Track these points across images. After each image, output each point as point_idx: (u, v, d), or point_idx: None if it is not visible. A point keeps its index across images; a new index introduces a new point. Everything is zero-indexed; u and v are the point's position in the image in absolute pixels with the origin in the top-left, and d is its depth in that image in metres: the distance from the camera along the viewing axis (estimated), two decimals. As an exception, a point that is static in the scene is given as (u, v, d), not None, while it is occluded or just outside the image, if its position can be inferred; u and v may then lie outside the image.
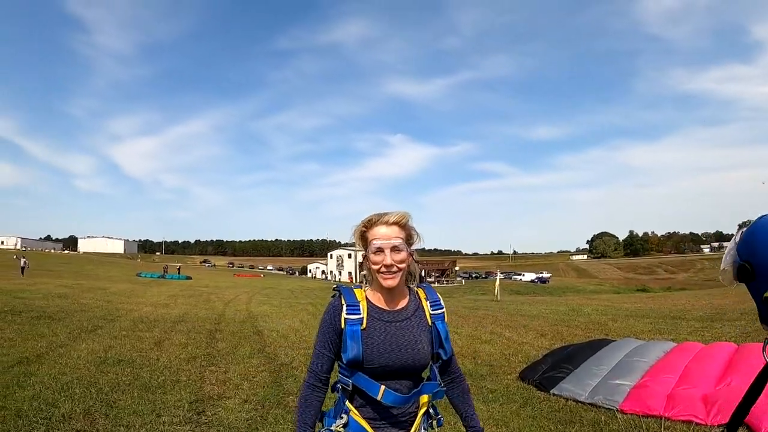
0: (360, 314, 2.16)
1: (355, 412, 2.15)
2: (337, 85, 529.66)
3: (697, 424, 5.41)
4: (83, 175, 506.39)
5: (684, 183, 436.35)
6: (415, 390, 2.16)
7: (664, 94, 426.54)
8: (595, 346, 8.61)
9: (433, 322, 2.26)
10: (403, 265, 2.15)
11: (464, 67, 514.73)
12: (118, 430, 5.35)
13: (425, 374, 2.28)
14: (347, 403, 2.18)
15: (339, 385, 2.23)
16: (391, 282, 2.13)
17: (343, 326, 2.14)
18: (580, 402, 6.52)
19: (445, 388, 2.32)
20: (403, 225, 2.21)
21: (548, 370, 7.78)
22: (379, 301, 2.23)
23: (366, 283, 2.35)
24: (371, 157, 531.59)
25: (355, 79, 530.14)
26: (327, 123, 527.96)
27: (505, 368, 8.94)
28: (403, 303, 2.26)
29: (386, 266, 2.11)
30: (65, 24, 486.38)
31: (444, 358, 2.28)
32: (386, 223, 2.17)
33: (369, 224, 2.21)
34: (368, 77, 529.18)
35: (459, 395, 2.39)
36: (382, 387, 2.10)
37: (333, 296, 2.27)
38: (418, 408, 2.21)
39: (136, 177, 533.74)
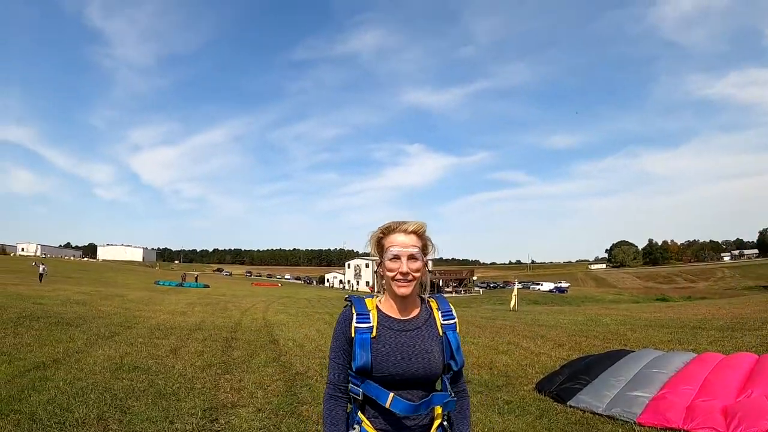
0: (370, 323, 2.16)
1: (367, 423, 2.13)
2: (354, 95, 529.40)
3: (717, 437, 5.31)
4: (103, 183, 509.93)
5: (703, 190, 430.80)
6: (425, 399, 2.13)
7: (682, 100, 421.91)
8: (613, 357, 8.49)
9: (444, 332, 2.24)
10: (418, 274, 2.15)
11: (481, 76, 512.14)
12: (131, 436, 5.37)
13: (438, 386, 2.25)
14: (359, 413, 2.16)
15: (350, 396, 2.20)
16: (404, 290, 2.13)
17: (353, 335, 2.14)
18: (598, 414, 6.43)
19: (455, 399, 2.27)
20: (421, 234, 2.22)
21: (565, 382, 7.69)
22: (390, 309, 2.23)
23: (379, 293, 2.34)
24: (389, 167, 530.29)
25: (372, 89, 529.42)
26: (345, 133, 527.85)
27: (521, 379, 8.85)
28: (414, 312, 2.25)
29: (402, 274, 2.12)
30: (86, 36, 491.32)
31: (455, 369, 2.25)
32: (404, 231, 2.18)
33: (387, 231, 2.22)
34: (385, 87, 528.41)
35: (458, 411, 2.34)
36: (391, 394, 2.08)
37: (345, 306, 2.28)
38: (432, 420, 2.18)
39: (155, 186, 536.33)
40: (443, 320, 2.27)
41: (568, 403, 6.94)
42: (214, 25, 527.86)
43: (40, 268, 43.59)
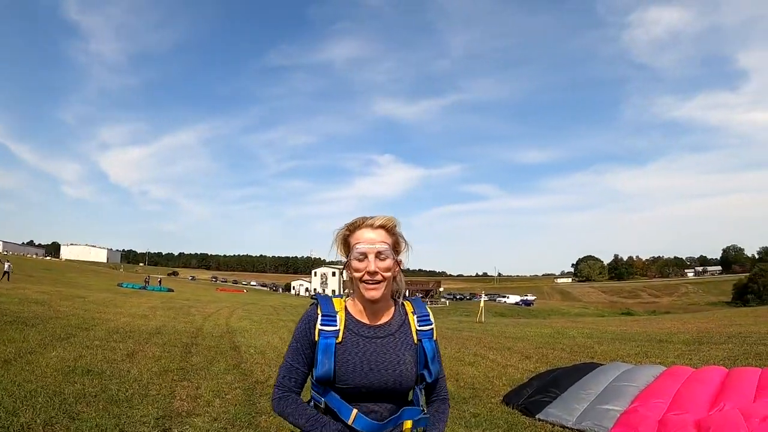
0: (336, 326, 1.92)
1: None
2: (327, 104, 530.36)
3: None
4: (70, 181, 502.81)
5: (669, 208, 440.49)
6: (393, 416, 1.89)
7: (651, 121, 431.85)
8: (582, 370, 8.41)
9: (419, 340, 2.01)
10: (388, 274, 1.91)
11: (454, 90, 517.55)
12: (78, 444, 5.06)
13: (410, 396, 2.01)
14: None
15: (312, 403, 1.96)
16: (373, 293, 1.89)
17: (316, 338, 1.91)
18: (568, 428, 6.29)
19: (428, 415, 2.04)
20: (390, 229, 1.98)
21: (533, 394, 7.55)
22: (359, 313, 2.00)
23: (346, 296, 2.10)
24: (359, 177, 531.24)
25: (345, 98, 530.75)
26: (316, 141, 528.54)
27: (488, 391, 8.68)
28: (386, 317, 2.02)
29: (370, 273, 1.88)
30: (60, 29, 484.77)
31: (428, 380, 2.01)
32: (371, 226, 1.95)
33: (353, 227, 1.98)
34: (358, 97, 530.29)
35: (432, 412, 2.09)
36: (355, 411, 1.84)
37: (311, 305, 2.04)
38: None
39: (122, 186, 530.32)
40: (419, 326, 2.03)
41: (536, 417, 6.80)
42: (189, 26, 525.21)
43: (6, 266, 42.20)
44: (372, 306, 1.97)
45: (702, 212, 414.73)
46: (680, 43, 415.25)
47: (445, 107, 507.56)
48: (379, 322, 1.99)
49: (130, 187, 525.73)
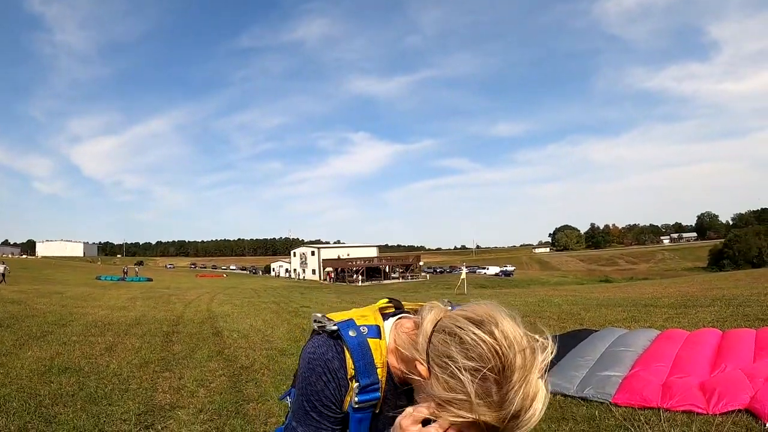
0: (377, 395, 1.37)
1: None
2: (299, 84, 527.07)
3: (698, 413, 5.02)
4: (41, 177, 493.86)
5: (643, 177, 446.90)
6: None
7: (623, 92, 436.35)
8: (575, 337, 8.28)
9: None
10: None
11: (426, 66, 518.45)
12: (54, 448, 4.73)
13: None
14: None
15: None
16: None
17: (345, 407, 1.36)
18: (569, 396, 6.07)
19: None
20: None
21: (530, 364, 7.35)
22: (400, 371, 1.38)
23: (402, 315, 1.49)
24: (334, 155, 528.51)
25: (317, 78, 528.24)
26: (290, 121, 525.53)
27: (482, 363, 8.47)
28: None
29: None
30: (24, 21, 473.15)
31: None
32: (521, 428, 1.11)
33: (496, 416, 1.07)
34: (331, 76, 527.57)
35: None
36: None
37: (328, 349, 1.36)
38: None
39: (95, 178, 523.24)
40: None
41: (536, 387, 6.59)
42: (157, 11, 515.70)
43: (1, 268, 40.69)
44: None
45: (676, 181, 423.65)
46: (651, 14, 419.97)
47: (418, 83, 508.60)
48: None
49: (103, 178, 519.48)
